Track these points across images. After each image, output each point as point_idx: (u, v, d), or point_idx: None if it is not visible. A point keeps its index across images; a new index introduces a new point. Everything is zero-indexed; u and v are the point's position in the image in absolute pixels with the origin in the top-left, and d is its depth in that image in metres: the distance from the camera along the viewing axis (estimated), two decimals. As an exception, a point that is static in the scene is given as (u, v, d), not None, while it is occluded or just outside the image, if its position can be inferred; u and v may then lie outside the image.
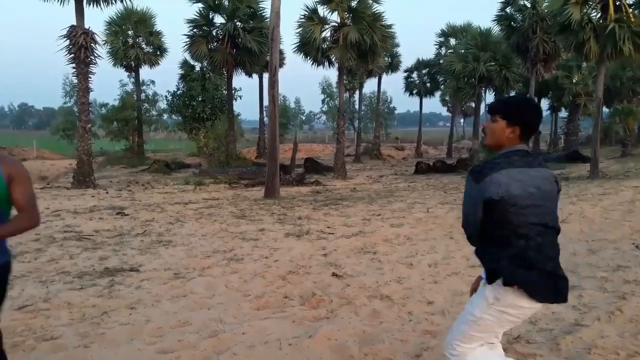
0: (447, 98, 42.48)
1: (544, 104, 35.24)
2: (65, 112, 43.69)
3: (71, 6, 15.14)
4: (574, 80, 29.89)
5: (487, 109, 2.43)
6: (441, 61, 31.48)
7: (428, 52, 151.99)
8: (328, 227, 8.34)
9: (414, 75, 38.92)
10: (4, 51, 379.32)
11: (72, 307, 4.55)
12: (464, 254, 6.29)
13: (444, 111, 69.72)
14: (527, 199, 2.18)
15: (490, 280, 2.26)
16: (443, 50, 34.84)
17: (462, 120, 63.90)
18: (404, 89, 39.14)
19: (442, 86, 35.35)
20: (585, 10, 16.30)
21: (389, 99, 62.35)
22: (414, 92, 38.94)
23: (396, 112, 69.93)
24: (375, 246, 6.93)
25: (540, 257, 2.20)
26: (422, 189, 14.63)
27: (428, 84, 38.56)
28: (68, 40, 14.87)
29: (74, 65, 15.07)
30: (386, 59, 31.53)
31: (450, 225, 8.27)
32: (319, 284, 5.17)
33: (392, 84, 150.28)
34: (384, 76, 35.70)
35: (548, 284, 2.21)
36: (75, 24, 15.02)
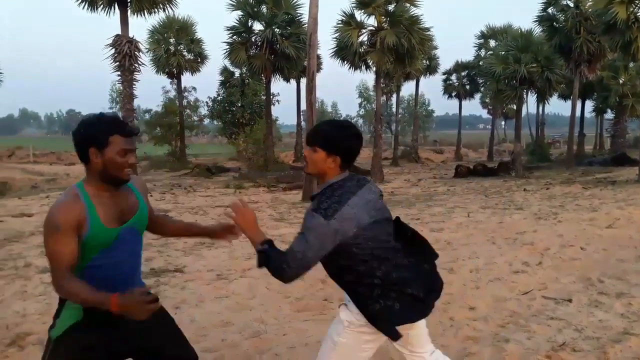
0: (487, 100, 41.70)
1: (589, 105, 34.21)
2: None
3: (116, 16, 15.67)
4: (620, 81, 28.87)
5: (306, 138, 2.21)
6: (481, 63, 30.93)
7: (467, 53, 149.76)
8: (366, 231, 8.31)
9: (453, 77, 38.42)
10: (53, 60, 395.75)
11: (121, 306, 4.72)
12: (507, 260, 6.18)
13: (484, 113, 68.48)
14: (373, 223, 2.06)
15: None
16: (482, 52, 34.31)
17: (503, 123, 62.49)
18: (443, 91, 38.73)
19: (482, 88, 34.74)
20: (631, 9, 15.77)
21: (427, 101, 61.77)
22: (453, 94, 38.46)
23: (434, 114, 69.04)
24: (415, 250, 6.87)
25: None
26: (463, 192, 14.41)
27: (467, 86, 37.99)
28: (114, 49, 15.40)
29: (119, 72, 15.59)
30: (424, 61, 31.23)
31: (492, 230, 8.13)
32: (359, 287, 5.18)
33: (431, 87, 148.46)
34: (422, 79, 35.39)
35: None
36: (120, 33, 15.53)
